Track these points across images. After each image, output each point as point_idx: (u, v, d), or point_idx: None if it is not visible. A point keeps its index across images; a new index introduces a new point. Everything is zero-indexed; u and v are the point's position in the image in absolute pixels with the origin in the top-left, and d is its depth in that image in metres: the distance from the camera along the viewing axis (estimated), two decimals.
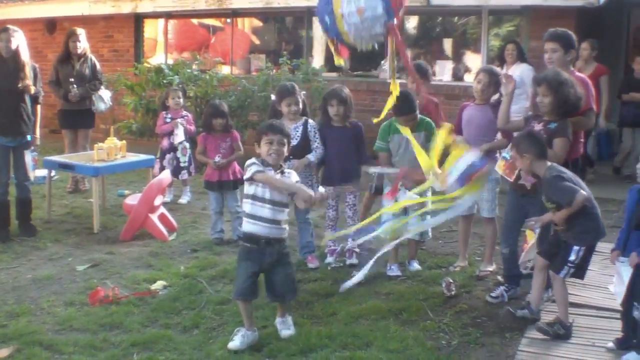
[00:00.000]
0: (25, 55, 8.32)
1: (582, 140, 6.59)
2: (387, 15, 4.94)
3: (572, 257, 5.53)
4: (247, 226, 5.50)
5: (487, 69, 7.26)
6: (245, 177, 5.47)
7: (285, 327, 5.69)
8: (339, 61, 6.06)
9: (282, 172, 5.56)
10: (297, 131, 7.27)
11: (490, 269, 7.16)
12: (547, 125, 6.05)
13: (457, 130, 7.17)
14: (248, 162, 5.51)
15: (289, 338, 5.56)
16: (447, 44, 14.71)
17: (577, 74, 6.74)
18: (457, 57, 14.39)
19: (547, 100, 6.01)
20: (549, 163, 5.63)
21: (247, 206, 5.52)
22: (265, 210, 5.43)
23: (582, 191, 5.35)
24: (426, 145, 6.69)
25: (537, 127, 6.12)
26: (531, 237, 6.12)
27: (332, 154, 7.33)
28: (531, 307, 5.87)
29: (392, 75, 6.23)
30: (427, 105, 7.33)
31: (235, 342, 5.41)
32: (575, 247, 5.50)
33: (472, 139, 6.90)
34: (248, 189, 5.53)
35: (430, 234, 7.35)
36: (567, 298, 5.70)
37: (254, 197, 5.48)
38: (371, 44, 5.59)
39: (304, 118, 7.40)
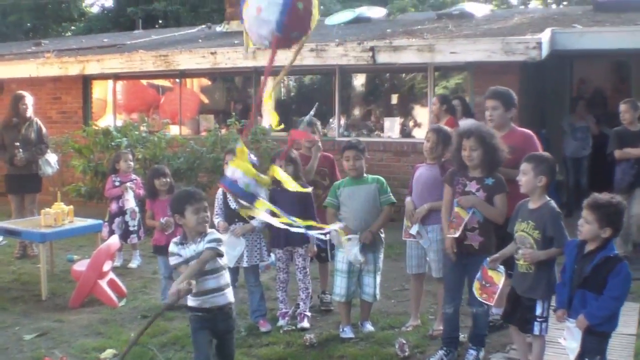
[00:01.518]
0: None
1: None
2: (276, 27, 4.95)
3: (539, 311, 5.58)
4: (192, 302, 5.46)
5: (435, 128, 7.34)
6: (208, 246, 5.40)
7: None
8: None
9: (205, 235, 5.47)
10: None
11: (442, 328, 7.14)
12: (483, 182, 6.12)
13: (410, 190, 7.26)
14: (171, 249, 5.53)
15: None
16: (395, 100, 14.87)
17: (519, 129, 6.90)
18: (405, 113, 14.54)
19: (475, 153, 6.09)
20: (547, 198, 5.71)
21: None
22: (208, 282, 5.41)
23: None
24: (379, 198, 7.03)
25: (473, 185, 6.17)
26: (497, 278, 6.08)
27: None
28: None
29: (267, 93, 6.24)
30: (323, 161, 7.56)
31: None
32: (540, 301, 5.55)
33: (418, 197, 6.98)
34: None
35: (378, 295, 7.29)
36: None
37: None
38: (258, 44, 5.52)
39: None
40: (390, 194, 7.15)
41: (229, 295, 5.53)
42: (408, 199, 7.22)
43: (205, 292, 5.38)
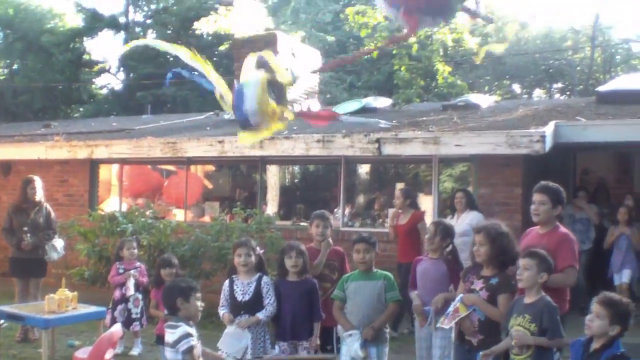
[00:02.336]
0: None
1: (567, 298, 6.53)
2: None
3: None
4: None
5: (435, 221, 7.48)
6: (181, 348, 5.60)
7: None
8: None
9: None
10: (250, 287, 7.32)
11: None
12: (488, 281, 6.16)
13: (412, 283, 7.31)
14: (182, 331, 5.65)
15: None
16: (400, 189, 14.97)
17: (562, 230, 6.71)
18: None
19: (483, 249, 6.16)
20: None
21: None
22: None
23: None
24: (385, 294, 7.01)
25: (478, 284, 6.22)
26: (462, 310, 6.13)
27: (286, 309, 7.33)
28: None
29: None
30: (333, 255, 7.60)
31: None
32: None
33: (427, 292, 7.03)
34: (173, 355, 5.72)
35: None
36: None
37: None
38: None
39: (259, 273, 7.46)
40: (397, 291, 7.15)
41: None
42: (414, 293, 7.27)
43: None
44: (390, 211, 14.01)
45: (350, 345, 6.86)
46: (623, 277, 11.88)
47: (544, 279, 5.74)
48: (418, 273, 7.31)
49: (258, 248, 7.70)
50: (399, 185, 14.93)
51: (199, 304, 5.88)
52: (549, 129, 11.68)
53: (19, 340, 10.66)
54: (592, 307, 5.18)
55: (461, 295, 6.37)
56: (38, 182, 10.87)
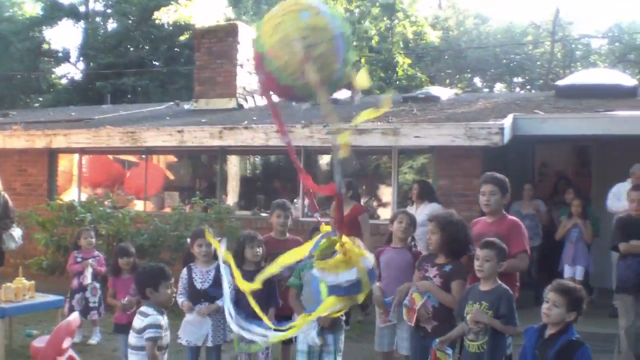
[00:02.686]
0: None
1: (517, 284, 6.62)
2: None
3: None
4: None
5: (404, 211, 7.51)
6: (146, 335, 5.72)
7: None
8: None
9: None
10: (210, 274, 7.33)
11: None
12: (442, 268, 6.25)
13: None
14: (150, 320, 5.77)
15: None
16: (361, 181, 15.01)
17: (510, 217, 6.91)
18: (370, 193, 14.67)
19: (434, 237, 6.26)
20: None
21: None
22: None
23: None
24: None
25: (432, 271, 6.30)
26: (418, 299, 6.20)
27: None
28: None
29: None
30: (291, 244, 7.55)
31: None
32: None
33: (392, 281, 7.05)
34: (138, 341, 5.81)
35: None
36: None
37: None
38: None
39: (216, 261, 7.44)
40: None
41: None
42: (377, 284, 7.30)
43: None
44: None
45: (307, 333, 6.86)
46: (577, 274, 11.90)
47: (503, 268, 5.82)
48: (382, 263, 7.32)
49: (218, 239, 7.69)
50: (361, 179, 15.00)
51: (169, 291, 5.92)
52: (507, 122, 11.80)
53: None
54: (548, 296, 5.27)
55: (415, 285, 6.45)
56: None
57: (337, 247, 4.53)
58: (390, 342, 7.35)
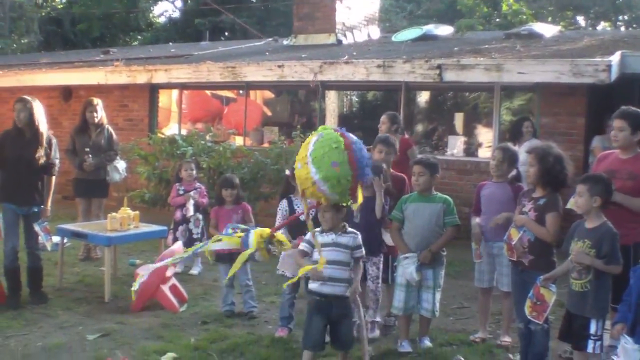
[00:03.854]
0: (41, 126, 8.42)
1: None
2: None
3: (593, 329, 5.54)
4: (313, 285, 6.07)
5: (502, 146, 7.34)
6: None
7: None
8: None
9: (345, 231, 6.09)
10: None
11: (509, 340, 7.18)
12: (537, 202, 6.12)
13: (477, 210, 7.24)
14: (306, 237, 6.17)
15: None
16: (459, 119, 14.83)
17: None
18: (469, 132, 14.49)
19: (532, 169, 6.15)
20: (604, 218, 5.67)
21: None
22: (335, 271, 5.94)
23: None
24: (444, 218, 6.94)
25: (528, 205, 6.18)
26: (548, 296, 6.07)
27: None
28: None
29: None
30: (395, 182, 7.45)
31: None
32: (594, 320, 5.51)
33: (494, 214, 6.93)
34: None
35: (437, 311, 7.19)
36: None
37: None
38: None
39: None
40: (456, 216, 7.04)
41: (344, 289, 5.99)
42: (476, 220, 7.21)
43: (328, 279, 5.93)
44: (451, 138, 13.96)
45: (406, 268, 6.83)
46: None
47: (598, 203, 5.65)
48: (483, 198, 7.22)
49: None
50: (458, 115, 14.80)
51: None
52: (615, 59, 11.45)
53: (82, 259, 10.88)
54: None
55: (513, 220, 6.36)
56: (98, 104, 10.91)
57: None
58: (490, 278, 7.27)
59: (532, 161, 6.16)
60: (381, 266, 7.46)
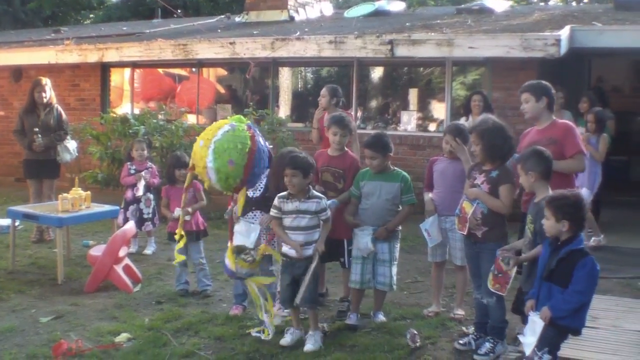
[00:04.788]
0: None
1: (577, 186, 6.76)
2: None
3: None
4: (284, 248, 6.54)
5: (450, 129, 7.29)
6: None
7: (310, 342, 6.39)
8: None
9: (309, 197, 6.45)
10: (261, 184, 7.23)
11: (462, 312, 7.26)
12: (489, 174, 6.17)
13: (430, 184, 7.29)
14: (274, 202, 6.50)
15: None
16: (412, 94, 14.86)
17: (560, 120, 6.93)
18: (422, 107, 14.54)
19: (478, 148, 6.18)
20: (550, 191, 5.66)
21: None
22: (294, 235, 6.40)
23: None
24: (400, 197, 6.96)
25: (480, 178, 6.23)
26: (468, 208, 6.23)
27: None
28: None
29: None
30: (338, 162, 7.39)
31: (285, 339, 6.44)
32: None
33: (447, 190, 7.00)
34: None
35: (394, 285, 7.25)
36: None
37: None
38: None
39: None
40: (413, 195, 7.04)
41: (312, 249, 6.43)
42: (429, 196, 7.26)
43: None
44: (404, 113, 14.01)
45: (361, 239, 6.87)
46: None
47: (534, 178, 5.73)
48: (437, 173, 7.22)
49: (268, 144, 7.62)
50: (412, 91, 14.83)
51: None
52: (564, 33, 11.57)
53: (35, 241, 10.77)
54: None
55: (464, 194, 6.40)
56: (47, 84, 10.78)
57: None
58: (442, 252, 7.34)
59: (475, 140, 6.21)
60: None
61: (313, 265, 6.38)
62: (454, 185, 6.94)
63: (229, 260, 6.41)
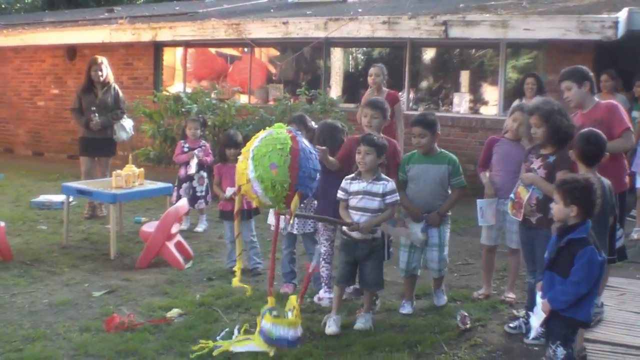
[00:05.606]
0: None
1: (627, 170, 6.68)
2: None
3: None
4: (344, 228, 6.38)
5: (522, 107, 7.24)
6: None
7: (360, 322, 6.39)
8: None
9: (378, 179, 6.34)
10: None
11: (513, 296, 7.21)
12: (546, 159, 6.07)
13: (485, 164, 7.20)
14: (342, 184, 6.42)
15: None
16: (465, 76, 14.76)
17: (603, 101, 6.82)
18: (474, 90, 14.43)
19: (540, 130, 6.06)
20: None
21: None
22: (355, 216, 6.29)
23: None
24: (450, 180, 6.83)
25: (536, 163, 6.14)
26: (523, 194, 6.16)
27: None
28: None
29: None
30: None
31: (332, 328, 6.23)
32: None
33: (508, 175, 6.91)
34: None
35: (444, 270, 7.12)
36: None
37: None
38: None
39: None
40: (462, 177, 6.91)
41: (377, 232, 6.37)
42: (487, 176, 7.18)
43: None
44: (456, 95, 13.89)
45: (411, 229, 6.75)
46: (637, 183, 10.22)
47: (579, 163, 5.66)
48: (497, 155, 7.08)
49: (312, 123, 7.60)
50: (464, 73, 14.72)
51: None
52: (622, 15, 11.36)
53: (87, 217, 10.89)
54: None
55: (520, 178, 6.32)
56: (103, 62, 10.87)
57: (289, 306, 5.69)
58: (497, 235, 7.23)
59: (538, 122, 6.07)
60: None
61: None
62: (516, 171, 6.84)
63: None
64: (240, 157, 5.72)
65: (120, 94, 11.03)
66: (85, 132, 10.87)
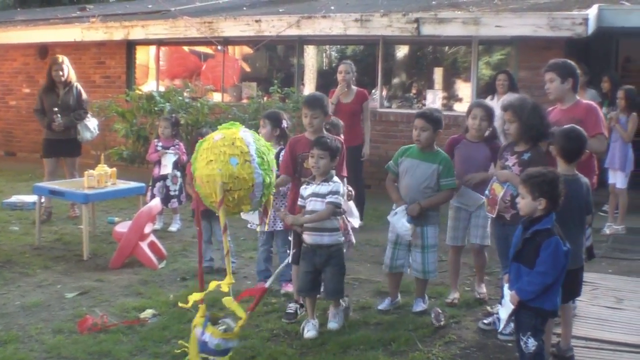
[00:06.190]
0: None
1: (596, 171, 6.67)
2: None
3: None
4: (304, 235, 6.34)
5: (480, 104, 7.28)
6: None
7: (332, 323, 6.39)
8: None
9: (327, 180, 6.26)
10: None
11: (484, 291, 7.27)
12: (521, 156, 6.10)
13: None
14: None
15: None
16: (437, 73, 14.78)
17: (584, 101, 6.85)
18: (447, 87, 14.47)
19: (513, 126, 6.10)
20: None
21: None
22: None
23: None
24: (439, 180, 6.73)
25: (511, 160, 6.16)
26: (498, 190, 6.19)
27: None
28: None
29: None
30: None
31: (311, 332, 6.19)
32: None
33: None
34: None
35: (430, 273, 6.90)
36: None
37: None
38: None
39: (280, 145, 7.28)
40: (453, 178, 6.77)
41: (334, 238, 6.30)
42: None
43: (311, 229, 6.25)
44: (429, 93, 13.93)
45: (397, 222, 6.67)
46: (617, 182, 10.52)
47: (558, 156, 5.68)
48: (460, 156, 7.00)
49: (284, 121, 7.55)
50: (437, 70, 14.75)
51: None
52: (592, 12, 11.43)
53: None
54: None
55: (494, 175, 6.35)
56: (64, 62, 10.75)
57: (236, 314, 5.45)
58: (464, 235, 7.23)
59: (511, 117, 6.09)
60: None
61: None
62: (474, 171, 6.87)
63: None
64: (231, 160, 5.10)
65: (83, 93, 10.91)
66: (48, 133, 10.78)
